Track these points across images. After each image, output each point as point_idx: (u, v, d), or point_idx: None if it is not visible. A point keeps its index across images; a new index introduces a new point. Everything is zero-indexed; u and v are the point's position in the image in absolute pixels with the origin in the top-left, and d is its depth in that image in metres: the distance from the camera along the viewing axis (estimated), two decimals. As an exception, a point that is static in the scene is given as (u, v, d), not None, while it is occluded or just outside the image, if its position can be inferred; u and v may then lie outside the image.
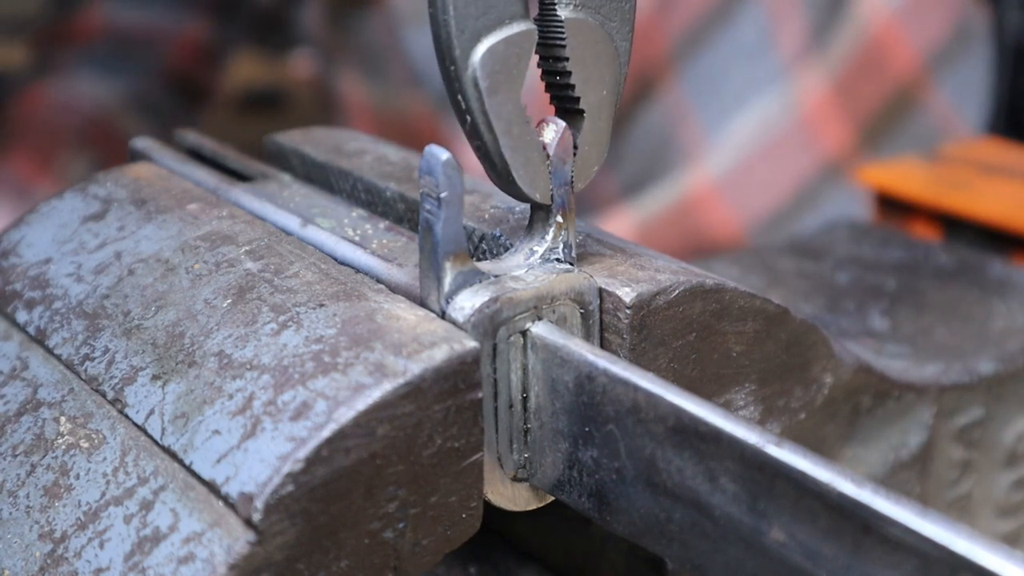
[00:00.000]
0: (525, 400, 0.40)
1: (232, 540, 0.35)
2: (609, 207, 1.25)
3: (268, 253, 0.43)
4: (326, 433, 0.35)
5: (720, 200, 1.23)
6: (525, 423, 0.41)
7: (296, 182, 0.52)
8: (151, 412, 0.39)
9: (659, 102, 1.23)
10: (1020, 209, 0.77)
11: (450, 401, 0.37)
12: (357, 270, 0.42)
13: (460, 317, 0.38)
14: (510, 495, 0.41)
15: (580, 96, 0.41)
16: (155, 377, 0.40)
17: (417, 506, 0.37)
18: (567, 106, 0.41)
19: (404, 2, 1.29)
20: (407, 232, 0.47)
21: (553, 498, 0.42)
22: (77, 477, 0.39)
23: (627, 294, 0.41)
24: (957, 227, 0.78)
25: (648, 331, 0.41)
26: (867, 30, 1.23)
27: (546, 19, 0.40)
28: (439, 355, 0.37)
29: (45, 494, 0.39)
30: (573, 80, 0.41)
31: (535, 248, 0.41)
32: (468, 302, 0.39)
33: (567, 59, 0.40)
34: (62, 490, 0.39)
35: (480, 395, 0.38)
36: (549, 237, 0.41)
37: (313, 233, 0.45)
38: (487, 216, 0.46)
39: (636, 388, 0.37)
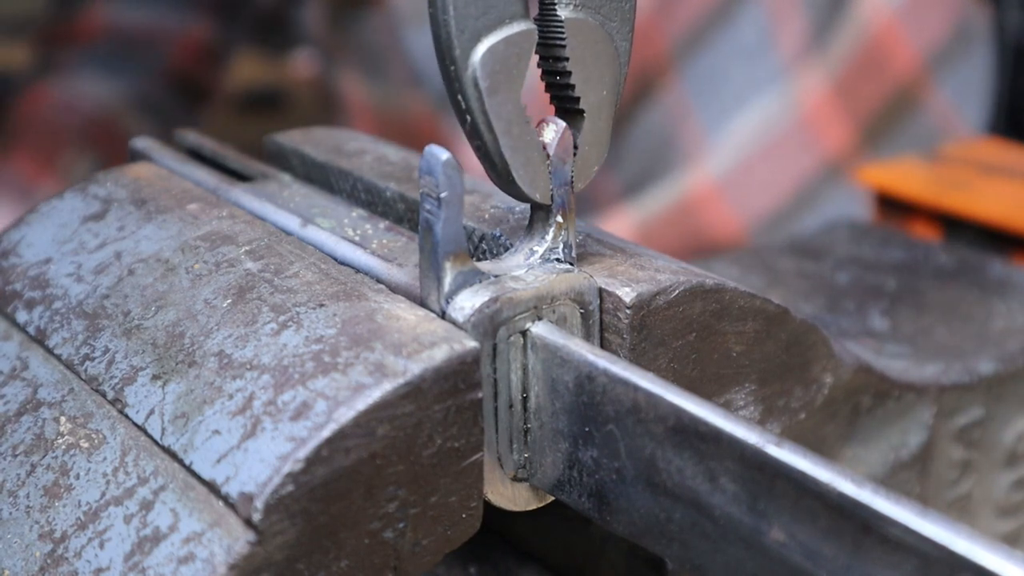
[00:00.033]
0: (525, 400, 0.40)
1: (232, 540, 0.35)
2: (609, 207, 1.25)
3: (268, 253, 0.43)
4: (326, 433, 0.35)
5: (720, 200, 1.23)
6: (525, 423, 0.41)
7: (296, 182, 0.52)
8: (151, 412, 0.39)
9: (659, 102, 1.23)
10: (1020, 209, 0.77)
11: (450, 401, 0.37)
12: (357, 270, 0.42)
13: (460, 317, 0.38)
14: (510, 495, 0.41)
15: (580, 96, 0.41)
16: (155, 377, 0.40)
17: (417, 506, 0.37)
18: (567, 106, 0.41)
19: (404, 2, 1.29)
20: (407, 232, 0.47)
21: (553, 498, 0.42)
22: (77, 477, 0.39)
23: (627, 294, 0.41)
24: (957, 227, 0.78)
25: (648, 331, 0.41)
26: (867, 30, 1.23)
27: (546, 19, 0.40)
28: (439, 355, 0.37)
29: (45, 494, 0.39)
30: (573, 80, 0.41)
31: (535, 248, 0.41)
32: (468, 302, 0.39)
33: (567, 59, 0.40)
34: (62, 490, 0.39)
35: (480, 395, 0.38)
36: (549, 237, 0.41)
37: (313, 233, 0.45)
38: (487, 216, 0.46)
39: (636, 388, 0.37)
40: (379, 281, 0.41)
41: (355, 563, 0.37)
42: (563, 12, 0.40)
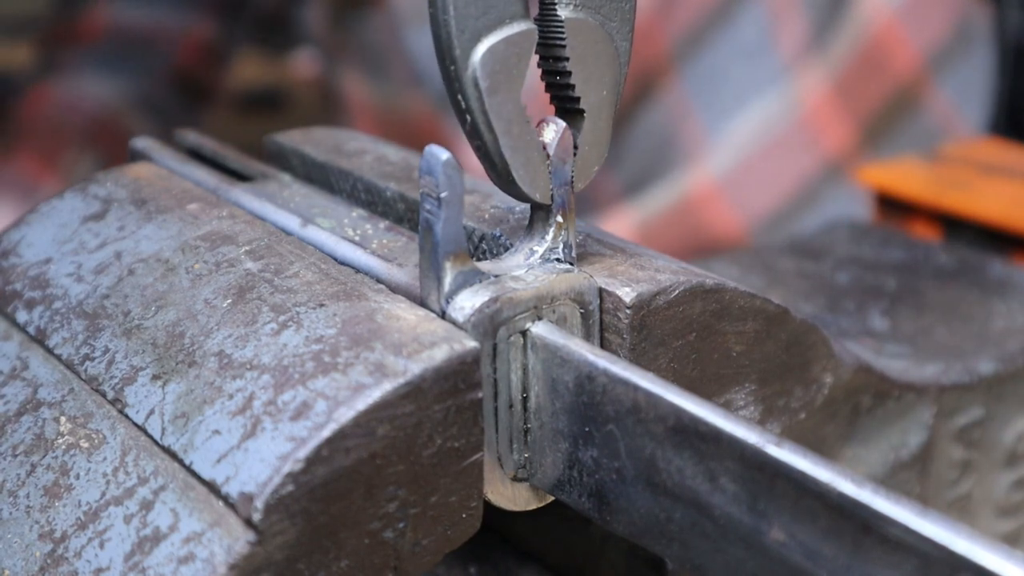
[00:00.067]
0: (525, 400, 0.40)
1: (232, 540, 0.35)
2: (610, 207, 1.25)
3: (268, 253, 0.43)
4: (326, 433, 0.35)
5: (721, 200, 1.23)
6: (525, 423, 0.41)
7: (296, 182, 0.52)
8: (151, 412, 0.39)
9: (660, 102, 1.23)
10: (1020, 209, 0.77)
11: (450, 401, 0.37)
12: (357, 270, 0.42)
13: (460, 317, 0.38)
14: (510, 495, 0.41)
15: (580, 96, 0.41)
16: (155, 377, 0.40)
17: (417, 506, 0.37)
18: (567, 106, 0.41)
19: (405, 2, 1.30)
20: (407, 232, 0.47)
21: (553, 498, 0.42)
22: (77, 477, 0.39)
23: (627, 294, 0.41)
24: (957, 227, 0.78)
25: (648, 331, 0.41)
26: (868, 30, 1.23)
27: (546, 19, 0.40)
28: (439, 355, 0.37)
29: (45, 494, 0.39)
30: (573, 80, 0.41)
31: (535, 248, 0.41)
32: (468, 302, 0.39)
33: (567, 59, 0.40)
34: (62, 490, 0.39)
35: (480, 395, 0.38)
36: (549, 237, 0.41)
37: (313, 233, 0.45)
38: (487, 216, 0.46)
39: (636, 388, 0.37)
40: (379, 281, 0.41)
41: (355, 563, 0.37)
42: (563, 12, 0.40)
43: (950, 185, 0.80)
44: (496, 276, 0.40)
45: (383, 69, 1.34)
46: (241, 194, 0.48)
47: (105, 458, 0.39)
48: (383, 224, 0.47)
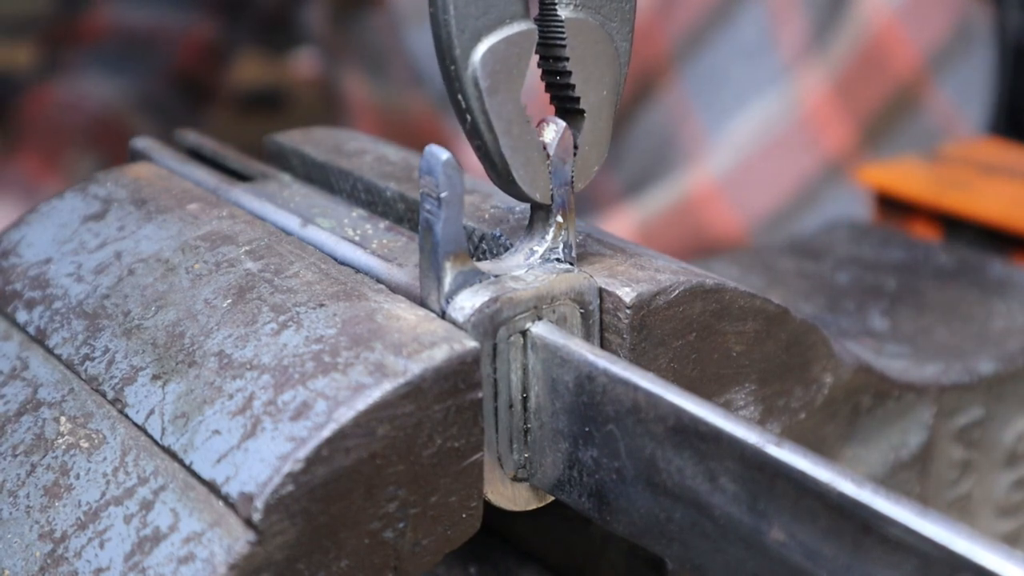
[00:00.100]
0: (525, 400, 0.40)
1: (232, 540, 0.35)
2: (610, 207, 1.25)
3: (268, 253, 0.43)
4: (326, 433, 0.35)
5: (721, 200, 1.23)
6: (525, 423, 0.41)
7: (296, 182, 0.52)
8: (151, 412, 0.39)
9: (660, 102, 1.23)
10: (1020, 209, 0.77)
11: (450, 401, 0.37)
12: (357, 270, 0.42)
13: (460, 317, 0.38)
14: (510, 495, 0.41)
15: (580, 96, 0.41)
16: (155, 377, 0.40)
17: (417, 506, 0.37)
18: (567, 106, 0.41)
19: (406, 2, 1.30)
20: (407, 232, 0.47)
21: (553, 498, 0.42)
22: (77, 477, 0.39)
23: (627, 294, 0.41)
24: (957, 227, 0.78)
25: (648, 331, 0.41)
26: (868, 30, 1.23)
27: (546, 19, 0.40)
28: (439, 355, 0.37)
29: (45, 494, 0.39)
30: (573, 80, 0.41)
31: (535, 248, 0.41)
32: (468, 302, 0.39)
33: (567, 59, 0.40)
34: (62, 490, 0.39)
35: (480, 395, 0.38)
36: (549, 237, 0.41)
37: (313, 233, 0.45)
38: (487, 216, 0.46)
39: (636, 388, 0.37)
40: (379, 281, 0.41)
41: (355, 563, 0.37)
42: (563, 12, 0.40)
43: (950, 185, 0.80)
44: (496, 276, 0.40)
45: (383, 69, 1.34)
46: (241, 194, 0.48)
47: (105, 458, 0.39)
48: (383, 224, 0.47)
